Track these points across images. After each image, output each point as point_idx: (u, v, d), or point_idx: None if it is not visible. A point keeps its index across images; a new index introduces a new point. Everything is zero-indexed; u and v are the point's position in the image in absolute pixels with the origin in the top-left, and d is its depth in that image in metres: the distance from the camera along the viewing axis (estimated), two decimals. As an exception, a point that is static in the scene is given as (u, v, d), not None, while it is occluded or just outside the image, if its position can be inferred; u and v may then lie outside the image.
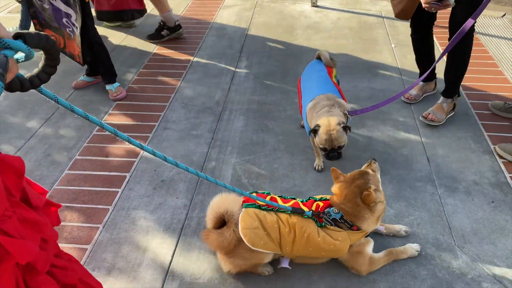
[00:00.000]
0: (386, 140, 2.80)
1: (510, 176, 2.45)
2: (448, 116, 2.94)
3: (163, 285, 1.91)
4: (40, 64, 0.98)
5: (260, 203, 1.81)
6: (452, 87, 2.89)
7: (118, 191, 2.46)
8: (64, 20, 3.08)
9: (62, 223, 2.24)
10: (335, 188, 1.90)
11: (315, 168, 2.57)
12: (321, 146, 2.27)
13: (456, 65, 2.78)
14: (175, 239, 2.14)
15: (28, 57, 0.92)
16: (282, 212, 1.82)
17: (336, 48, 4.04)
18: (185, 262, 2.02)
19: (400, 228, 2.11)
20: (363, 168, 1.97)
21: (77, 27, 3.05)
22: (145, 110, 3.25)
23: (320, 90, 2.45)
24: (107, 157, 2.73)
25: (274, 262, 1.96)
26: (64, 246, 2.11)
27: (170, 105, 3.31)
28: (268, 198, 1.89)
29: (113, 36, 4.52)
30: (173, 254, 2.06)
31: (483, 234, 2.10)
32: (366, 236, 1.90)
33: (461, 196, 2.33)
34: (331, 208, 1.85)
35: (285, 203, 1.88)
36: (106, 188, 2.48)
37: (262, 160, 2.67)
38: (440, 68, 3.06)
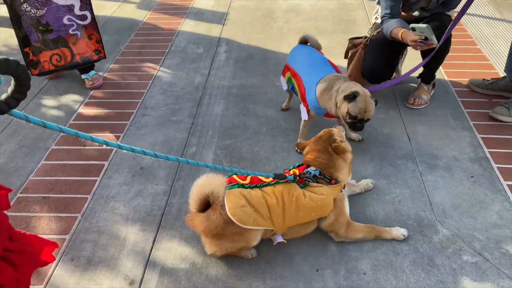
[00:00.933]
0: (367, 120, 2.79)
1: (488, 151, 2.48)
2: (431, 92, 2.95)
3: (144, 272, 1.88)
4: (9, 90, 0.96)
5: (245, 182, 1.84)
6: (431, 73, 2.89)
7: (96, 180, 2.40)
8: (66, 18, 2.94)
9: (39, 214, 2.18)
10: (306, 150, 2.05)
11: (297, 150, 2.57)
12: (353, 113, 2.21)
13: (437, 59, 2.76)
14: (156, 226, 2.10)
15: None
16: (265, 186, 1.84)
17: (316, 30, 4.01)
18: (166, 248, 1.98)
19: (367, 182, 2.24)
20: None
21: (86, 16, 2.98)
22: (123, 97, 3.18)
23: (324, 71, 2.43)
24: (84, 146, 2.66)
25: (260, 244, 1.95)
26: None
27: (148, 91, 3.24)
28: (248, 178, 1.88)
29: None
30: (154, 241, 2.03)
31: (463, 208, 2.12)
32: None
33: (441, 173, 2.35)
34: (309, 168, 1.95)
35: (265, 177, 1.90)
36: (84, 178, 2.43)
37: (243, 143, 2.64)
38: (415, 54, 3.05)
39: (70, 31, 3.01)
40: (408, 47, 2.94)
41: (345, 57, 3.11)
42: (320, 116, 2.46)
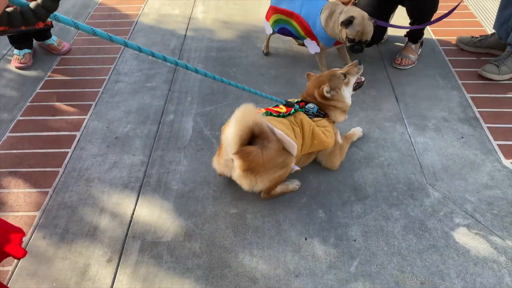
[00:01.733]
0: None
1: (478, 111, 2.40)
2: (418, 51, 2.84)
3: (123, 247, 1.77)
4: None
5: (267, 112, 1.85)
6: (419, 33, 2.76)
7: (68, 152, 2.24)
8: None
9: (6, 190, 2.02)
10: (308, 84, 2.07)
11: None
12: (351, 36, 2.34)
13: (426, 17, 2.64)
14: (134, 199, 1.97)
15: None
16: (288, 115, 1.86)
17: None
18: (146, 221, 1.87)
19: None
20: (345, 67, 2.08)
21: None
22: (94, 63, 2.96)
23: (322, 1, 2.50)
24: (53, 116, 2.48)
25: (246, 212, 1.85)
26: (10, 215, 1.91)
27: (120, 56, 3.02)
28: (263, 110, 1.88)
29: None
30: (132, 214, 1.90)
31: (454, 170, 2.06)
32: None
33: (431, 134, 2.27)
34: (308, 105, 2.00)
35: (279, 108, 1.92)
36: (54, 150, 2.26)
37: (224, 110, 2.50)
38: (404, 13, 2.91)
39: None
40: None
41: None
42: (330, 47, 2.57)
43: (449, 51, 2.92)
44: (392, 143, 2.22)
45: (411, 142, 2.22)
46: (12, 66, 2.91)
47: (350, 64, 2.08)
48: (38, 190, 2.03)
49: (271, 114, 1.82)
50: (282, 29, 2.71)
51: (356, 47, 2.38)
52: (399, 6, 2.76)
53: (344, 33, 2.36)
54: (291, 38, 3.00)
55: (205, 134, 2.31)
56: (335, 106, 2.00)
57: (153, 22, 3.45)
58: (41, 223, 1.87)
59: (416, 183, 2.00)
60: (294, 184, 1.95)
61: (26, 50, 2.93)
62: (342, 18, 2.33)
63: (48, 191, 2.02)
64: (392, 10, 2.77)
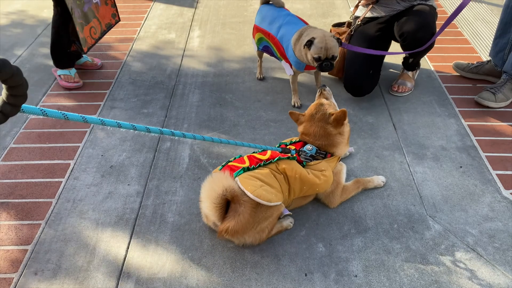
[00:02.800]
0: (350, 108, 2.67)
1: (476, 139, 2.40)
2: (414, 77, 2.86)
3: (117, 284, 1.71)
4: (3, 94, 0.79)
5: (246, 165, 1.76)
6: (415, 62, 2.77)
7: (61, 182, 2.19)
8: None
9: (-4, 223, 1.96)
10: (301, 128, 2.01)
11: (293, 105, 2.71)
12: (315, 55, 2.33)
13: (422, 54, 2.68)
14: (129, 232, 1.92)
15: None
16: (269, 163, 1.80)
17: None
18: (141, 256, 1.81)
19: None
20: (316, 99, 2.08)
21: None
22: (89, 88, 2.93)
23: (297, 26, 2.51)
24: (47, 143, 2.43)
25: (244, 247, 1.81)
26: (0, 249, 1.85)
27: (116, 81, 3.00)
28: (246, 160, 1.81)
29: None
30: (127, 248, 1.85)
31: (454, 201, 2.03)
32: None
33: (429, 163, 2.25)
34: (304, 147, 1.94)
35: (262, 155, 1.85)
36: (47, 179, 2.21)
37: (221, 137, 2.47)
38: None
39: (93, 0, 2.79)
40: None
41: None
42: (302, 70, 2.57)
43: (445, 77, 2.94)
44: (391, 173, 2.20)
45: (410, 171, 2.21)
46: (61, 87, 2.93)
47: (318, 93, 2.13)
48: (30, 222, 1.97)
49: (248, 169, 1.75)
50: (265, 47, 2.75)
51: (324, 64, 2.34)
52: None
53: (309, 55, 2.35)
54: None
55: (202, 163, 2.28)
56: (342, 135, 1.96)
57: (149, 46, 3.44)
58: (33, 258, 1.81)
59: (416, 214, 1.97)
60: (288, 222, 1.90)
61: (74, 70, 2.95)
62: (304, 41, 2.34)
63: (40, 224, 1.97)
64: (387, 45, 2.77)
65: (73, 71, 2.93)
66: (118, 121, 1.17)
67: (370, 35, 2.68)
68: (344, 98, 2.74)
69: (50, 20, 3.86)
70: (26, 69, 3.16)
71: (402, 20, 2.58)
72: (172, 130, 1.33)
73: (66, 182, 2.19)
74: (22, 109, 0.91)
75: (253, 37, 2.81)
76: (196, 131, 2.51)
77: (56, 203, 2.07)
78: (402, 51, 2.63)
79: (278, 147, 1.97)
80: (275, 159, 1.81)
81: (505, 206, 2.00)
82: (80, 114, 1.09)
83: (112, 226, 1.95)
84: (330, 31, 2.95)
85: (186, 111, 2.69)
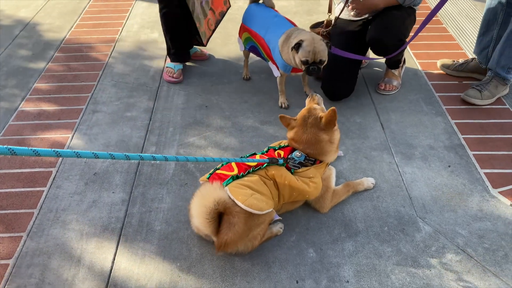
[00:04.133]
0: (337, 108, 2.64)
1: (463, 137, 2.40)
2: (401, 74, 2.84)
3: (104, 297, 1.66)
4: None
5: (234, 173, 1.73)
6: (396, 61, 2.76)
7: (43, 191, 2.12)
8: None
9: (-25, 236, 1.89)
10: (291, 133, 1.95)
11: (280, 106, 2.66)
12: (303, 58, 2.28)
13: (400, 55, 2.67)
14: (115, 242, 1.87)
15: None
16: (258, 170, 1.77)
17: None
18: (128, 267, 1.76)
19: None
20: (307, 104, 2.04)
21: None
22: (70, 91, 2.85)
23: (284, 28, 2.46)
24: (27, 150, 2.35)
25: (234, 255, 1.77)
26: (-21, 265, 1.78)
27: (98, 83, 2.92)
28: (235, 167, 1.77)
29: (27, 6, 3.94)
30: (114, 259, 1.80)
31: (443, 201, 2.03)
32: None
33: (418, 163, 2.24)
34: (293, 153, 1.89)
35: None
36: (28, 188, 2.13)
37: (208, 140, 2.42)
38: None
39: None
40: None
41: None
42: (288, 73, 2.50)
43: (431, 75, 2.94)
44: (380, 174, 2.18)
45: (399, 172, 2.20)
46: None
47: (309, 99, 2.07)
48: (11, 235, 1.90)
49: (237, 177, 1.71)
50: (252, 47, 2.70)
51: (311, 68, 2.30)
52: None
53: (297, 58, 2.31)
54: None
55: (189, 168, 2.23)
56: (333, 143, 1.92)
57: (132, 46, 3.36)
58: (14, 273, 1.74)
59: (406, 216, 1.96)
60: (278, 227, 1.87)
61: (180, 66, 2.93)
62: (293, 43, 2.29)
63: (21, 236, 1.90)
64: (365, 48, 2.73)
65: (178, 66, 2.92)
66: (94, 152, 1.11)
67: (349, 38, 2.64)
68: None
69: (28, 20, 3.75)
70: (3, 73, 3.05)
71: (371, 24, 2.55)
72: (153, 155, 1.27)
73: (48, 191, 2.12)
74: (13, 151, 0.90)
75: (240, 36, 2.76)
76: (182, 134, 2.46)
77: (38, 213, 2.00)
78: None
79: (266, 151, 1.93)
80: (264, 165, 1.77)
81: (494, 206, 2.00)
82: (52, 149, 1.03)
83: (98, 236, 1.89)
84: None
85: (171, 114, 2.63)
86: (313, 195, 1.86)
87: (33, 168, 2.24)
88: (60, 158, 2.29)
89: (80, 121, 2.57)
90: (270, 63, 2.58)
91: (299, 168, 1.86)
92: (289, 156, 1.89)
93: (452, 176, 2.17)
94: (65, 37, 3.50)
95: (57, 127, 2.52)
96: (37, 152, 0.95)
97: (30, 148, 0.96)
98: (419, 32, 2.46)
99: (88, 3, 4.07)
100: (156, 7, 3.91)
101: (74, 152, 1.07)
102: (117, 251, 1.83)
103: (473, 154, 2.29)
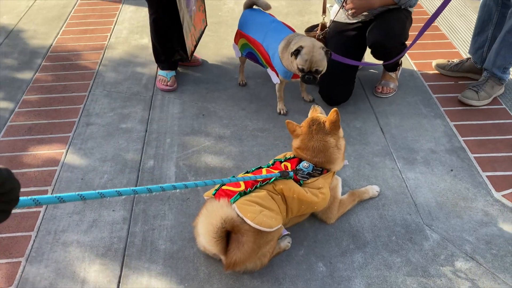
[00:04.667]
0: (336, 113, 2.62)
1: (463, 140, 2.40)
2: (397, 76, 2.83)
3: (111, 324, 1.61)
4: None
5: (241, 189, 1.67)
6: (396, 65, 2.74)
7: (40, 211, 2.04)
8: None
9: (-29, 264, 1.81)
10: (297, 142, 1.90)
11: (279, 112, 2.63)
12: (300, 66, 2.25)
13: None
14: (119, 263, 1.81)
15: None
16: (265, 185, 1.72)
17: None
18: (135, 290, 1.71)
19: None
20: (310, 115, 1.99)
21: None
22: (61, 103, 2.76)
23: (283, 33, 2.41)
24: (20, 169, 2.27)
25: (243, 273, 1.74)
26: (-22, 294, 1.70)
27: (90, 94, 2.84)
28: (242, 184, 1.72)
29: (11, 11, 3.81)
30: (119, 282, 1.74)
31: (448, 207, 2.03)
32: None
33: (421, 168, 2.23)
34: (300, 164, 1.85)
35: (256, 174, 1.77)
36: (24, 209, 2.05)
37: (207, 151, 2.37)
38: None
39: (193, 7, 2.73)
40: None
41: None
42: (289, 80, 2.46)
43: (427, 76, 2.93)
44: (384, 181, 2.17)
45: (403, 178, 2.18)
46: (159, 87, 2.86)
47: (312, 109, 2.03)
48: (9, 260, 1.83)
49: (244, 193, 1.66)
50: (249, 54, 2.65)
51: (307, 77, 2.27)
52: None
53: (295, 64, 2.27)
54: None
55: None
56: (340, 149, 1.88)
57: (122, 53, 3.27)
58: (15, 301, 1.68)
59: (413, 224, 1.95)
60: (286, 242, 1.84)
61: (173, 73, 2.85)
62: (293, 48, 2.25)
63: (20, 261, 1.83)
64: (362, 51, 2.72)
65: (170, 74, 2.84)
66: (117, 190, 1.07)
67: (346, 41, 2.62)
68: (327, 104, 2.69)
69: (11, 28, 3.62)
70: (-11, 85, 2.94)
71: (371, 28, 2.52)
72: (148, 187, 1.17)
73: (45, 211, 2.04)
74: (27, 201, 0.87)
75: (236, 42, 2.70)
76: (180, 146, 2.40)
77: (35, 236, 1.93)
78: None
79: (272, 164, 1.89)
80: (271, 180, 1.74)
81: (498, 210, 2.01)
82: (76, 193, 0.99)
83: (100, 258, 1.83)
84: None
85: (167, 124, 2.57)
86: (321, 206, 1.84)
87: (28, 187, 2.16)
88: (56, 176, 2.22)
89: (73, 134, 2.49)
90: (269, 70, 2.54)
91: (308, 179, 1.82)
92: (297, 168, 1.84)
93: (455, 180, 2.17)
94: (51, 44, 3.39)
95: (50, 142, 2.44)
96: (62, 198, 0.91)
97: (54, 195, 0.92)
98: (420, 36, 2.45)
99: (73, 8, 3.95)
100: (143, 11, 3.83)
101: (98, 193, 1.03)
102: (122, 273, 1.77)
103: (474, 157, 2.29)
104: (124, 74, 3.03)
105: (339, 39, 2.63)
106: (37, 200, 0.87)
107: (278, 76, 2.48)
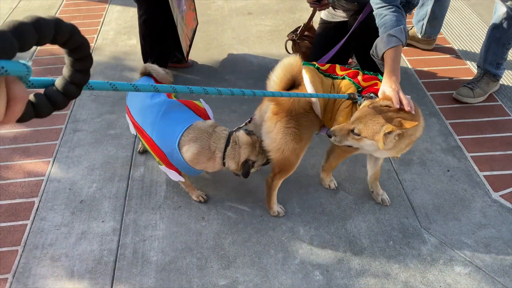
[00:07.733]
0: (330, 113, 2.57)
1: (459, 139, 2.36)
2: None
3: None
4: (65, 70, 0.62)
5: (322, 67, 1.82)
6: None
7: (26, 224, 1.98)
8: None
9: (-45, 282, 1.74)
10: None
11: (199, 201, 2.08)
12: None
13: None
14: (109, 278, 1.75)
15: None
16: (337, 78, 1.80)
17: (259, 9, 3.65)
18: (126, 305, 1.66)
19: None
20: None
21: None
22: (47, 109, 2.67)
23: (182, 125, 1.82)
24: (5, 180, 2.19)
25: (240, 280, 1.69)
26: (-38, 314, 1.64)
27: (77, 99, 2.76)
28: (326, 66, 1.86)
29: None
30: (110, 297, 1.69)
31: (446, 209, 1.99)
32: None
33: (417, 169, 2.19)
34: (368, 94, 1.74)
35: (342, 71, 1.83)
36: (10, 223, 1.99)
37: (198, 155, 2.31)
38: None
39: (184, 7, 2.68)
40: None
41: (288, 51, 2.68)
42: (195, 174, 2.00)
43: (421, 72, 2.88)
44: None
45: (399, 180, 2.14)
46: None
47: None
48: (-5, 277, 1.77)
49: (319, 69, 1.80)
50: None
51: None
52: None
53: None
54: (258, 68, 2.85)
55: (182, 189, 2.12)
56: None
57: (109, 55, 3.19)
58: (2, 321, 1.62)
59: (410, 228, 1.91)
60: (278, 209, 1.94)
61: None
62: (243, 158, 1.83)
63: (7, 278, 1.76)
64: (349, 50, 2.60)
65: None
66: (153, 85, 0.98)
67: (328, 39, 2.47)
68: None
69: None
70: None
71: (356, 36, 2.28)
72: (218, 88, 1.16)
73: (32, 224, 1.98)
74: (90, 85, 0.79)
75: (128, 115, 2.00)
76: (171, 151, 2.34)
77: (22, 251, 1.86)
78: None
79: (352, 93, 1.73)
80: (338, 76, 1.81)
81: (496, 211, 1.97)
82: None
83: (90, 272, 1.78)
84: (287, 41, 2.73)
85: (157, 129, 2.50)
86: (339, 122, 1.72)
87: (14, 199, 2.09)
88: (43, 187, 2.15)
89: (60, 142, 2.42)
90: (163, 167, 1.92)
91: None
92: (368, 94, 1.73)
93: (452, 181, 2.13)
94: (36, 48, 3.29)
95: (36, 151, 2.36)
96: (115, 85, 0.87)
97: (108, 82, 0.86)
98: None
99: (59, 9, 3.85)
100: (131, 11, 3.74)
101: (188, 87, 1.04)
102: (113, 287, 1.72)
103: (471, 156, 2.25)
104: (111, 77, 2.95)
105: (323, 39, 2.52)
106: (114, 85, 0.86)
107: (180, 173, 1.91)
